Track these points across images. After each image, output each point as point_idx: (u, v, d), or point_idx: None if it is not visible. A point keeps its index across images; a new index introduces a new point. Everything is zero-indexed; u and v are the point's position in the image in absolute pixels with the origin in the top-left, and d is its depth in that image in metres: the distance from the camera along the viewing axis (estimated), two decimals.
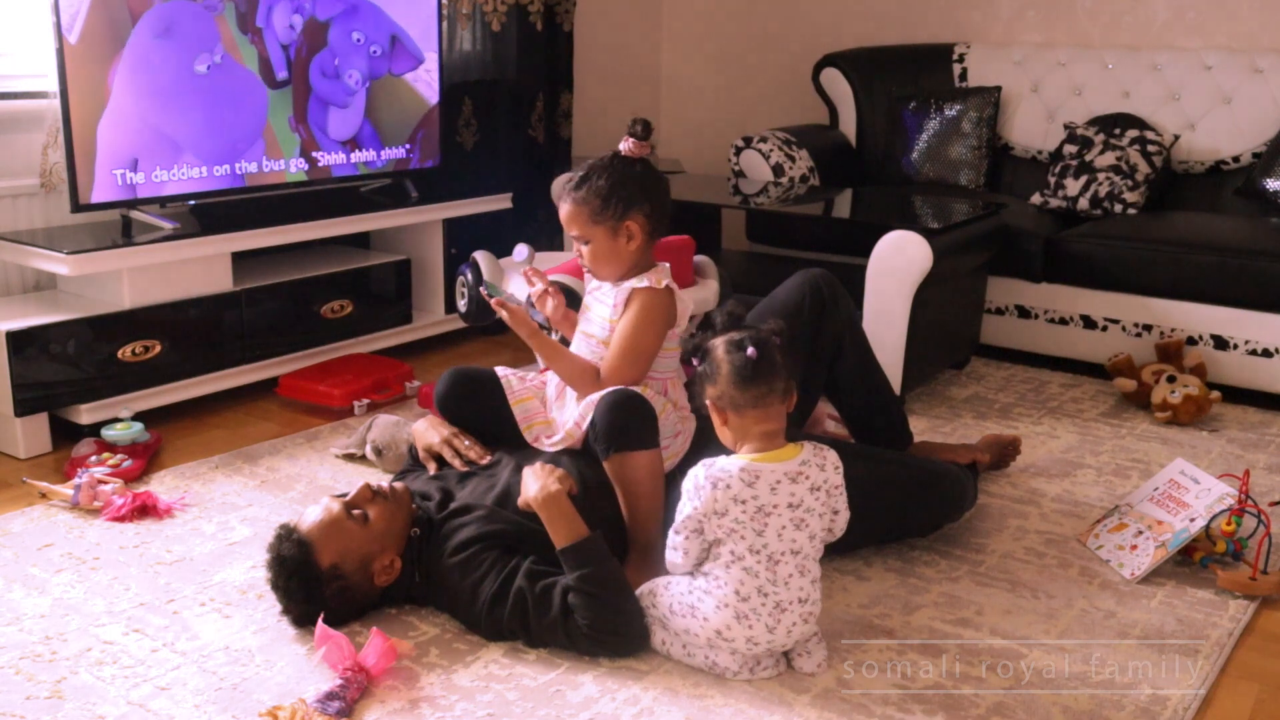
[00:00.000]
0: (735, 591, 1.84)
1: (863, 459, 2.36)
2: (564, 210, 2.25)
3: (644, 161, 2.27)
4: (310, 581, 1.97)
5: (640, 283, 2.22)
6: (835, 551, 2.31)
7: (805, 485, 1.86)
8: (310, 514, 2.03)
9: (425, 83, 3.68)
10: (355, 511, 2.03)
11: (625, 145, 2.25)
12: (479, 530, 2.05)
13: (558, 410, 2.34)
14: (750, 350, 1.84)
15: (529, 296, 2.42)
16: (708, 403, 1.92)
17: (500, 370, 2.40)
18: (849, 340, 2.53)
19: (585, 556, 1.94)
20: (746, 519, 1.83)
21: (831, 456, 1.92)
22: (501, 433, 2.34)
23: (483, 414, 2.37)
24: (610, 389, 2.14)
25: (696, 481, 1.86)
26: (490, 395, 2.36)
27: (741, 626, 1.84)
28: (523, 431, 2.32)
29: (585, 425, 2.17)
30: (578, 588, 1.91)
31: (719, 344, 1.89)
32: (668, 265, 2.32)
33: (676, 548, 1.90)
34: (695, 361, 1.92)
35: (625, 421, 2.08)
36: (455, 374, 2.44)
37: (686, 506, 1.87)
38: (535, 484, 2.05)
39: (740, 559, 1.84)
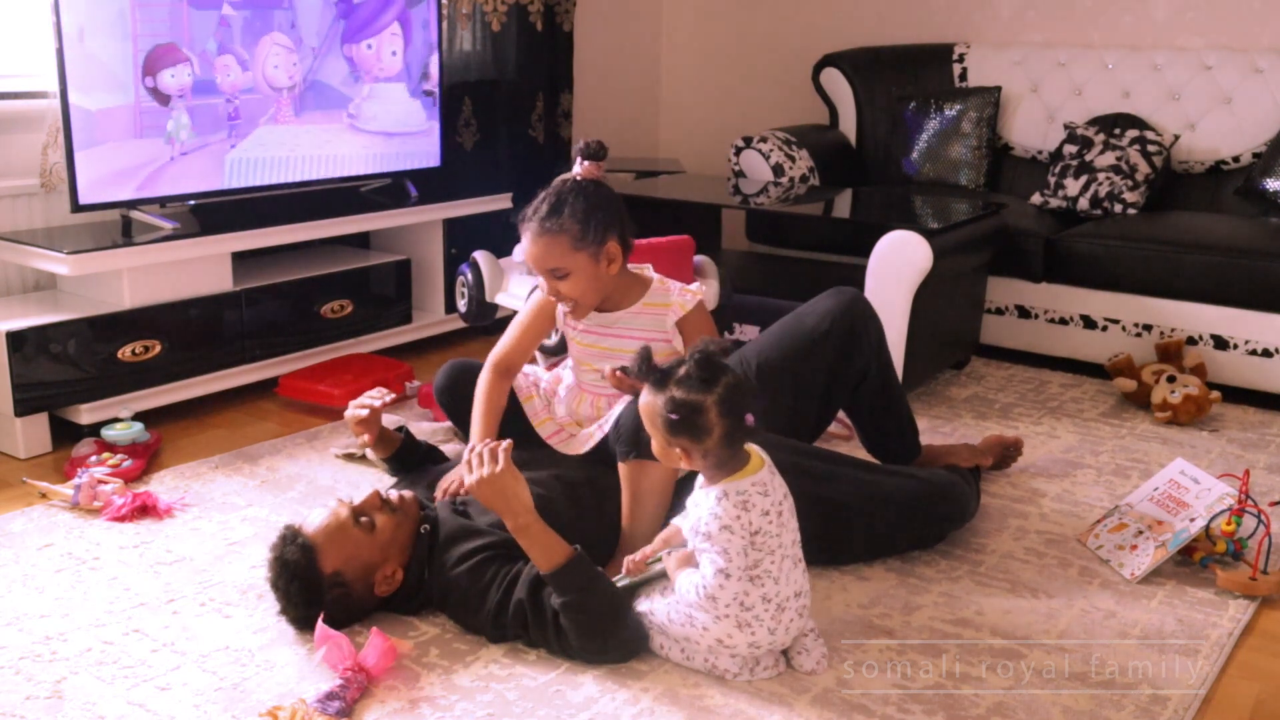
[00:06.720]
0: (740, 603, 1.83)
1: (876, 473, 2.36)
2: (537, 244, 2.11)
3: (601, 183, 2.17)
4: (311, 586, 1.95)
5: (684, 297, 2.21)
6: (834, 561, 2.32)
7: (777, 476, 1.87)
8: (316, 517, 2.00)
9: (425, 84, 3.69)
10: (363, 519, 2.00)
11: (581, 167, 2.16)
12: (483, 541, 2.02)
13: (561, 407, 2.34)
14: (750, 419, 1.79)
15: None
16: (676, 450, 1.81)
17: None
18: (875, 368, 2.45)
19: (568, 582, 1.88)
20: (774, 528, 1.81)
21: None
22: (502, 426, 2.32)
23: None
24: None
25: (726, 515, 1.78)
26: None
27: (744, 634, 1.84)
28: (536, 428, 2.33)
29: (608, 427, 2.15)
30: (564, 613, 1.88)
31: (710, 405, 1.76)
32: (649, 265, 2.30)
33: (719, 599, 1.80)
34: (673, 415, 1.77)
35: None
36: (455, 366, 2.45)
37: (733, 544, 1.78)
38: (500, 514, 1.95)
39: (756, 565, 1.81)
